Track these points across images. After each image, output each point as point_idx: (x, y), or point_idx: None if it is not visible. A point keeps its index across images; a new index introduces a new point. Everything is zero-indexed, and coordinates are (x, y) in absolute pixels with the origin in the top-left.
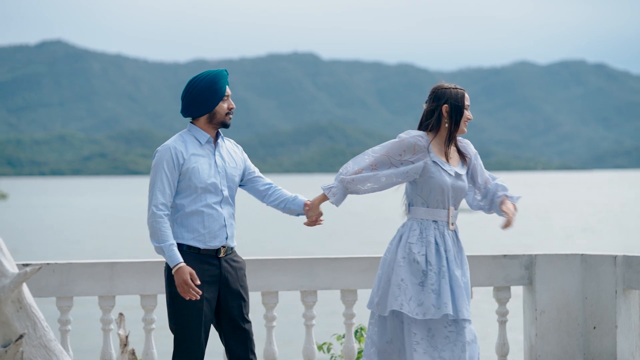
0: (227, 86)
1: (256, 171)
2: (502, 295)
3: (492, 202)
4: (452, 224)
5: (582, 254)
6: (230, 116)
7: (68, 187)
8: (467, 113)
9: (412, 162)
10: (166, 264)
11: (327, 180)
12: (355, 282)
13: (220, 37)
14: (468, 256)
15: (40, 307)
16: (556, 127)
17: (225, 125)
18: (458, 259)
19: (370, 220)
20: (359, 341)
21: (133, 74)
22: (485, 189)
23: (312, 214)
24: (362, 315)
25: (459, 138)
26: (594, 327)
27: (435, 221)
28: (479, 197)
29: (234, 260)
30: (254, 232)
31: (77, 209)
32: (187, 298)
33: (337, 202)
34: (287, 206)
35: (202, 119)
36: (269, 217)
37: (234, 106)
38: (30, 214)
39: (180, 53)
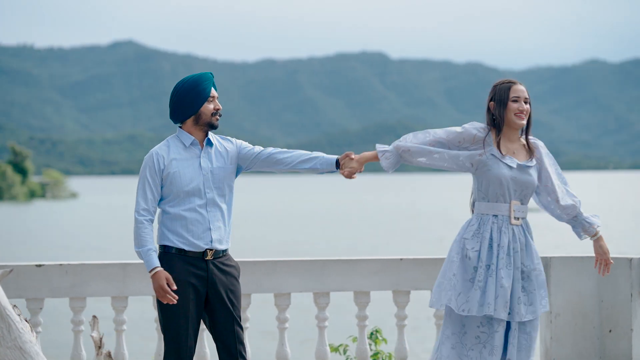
0: (212, 88)
1: (259, 148)
2: None
3: (576, 224)
4: (517, 219)
5: None
6: (217, 117)
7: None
8: (515, 105)
9: (468, 150)
10: None
11: (398, 180)
12: (368, 284)
13: (289, 37)
14: None
15: (53, 307)
16: (628, 126)
17: (212, 126)
18: (517, 255)
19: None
20: (375, 343)
21: None
22: (559, 202)
23: (355, 167)
24: (376, 317)
25: (530, 137)
26: (610, 331)
27: (495, 215)
28: (549, 199)
29: (224, 264)
30: (264, 233)
31: None
32: (165, 302)
33: (389, 168)
34: (320, 162)
35: (189, 122)
36: (279, 218)
37: (220, 107)
38: (99, 213)
39: (249, 53)
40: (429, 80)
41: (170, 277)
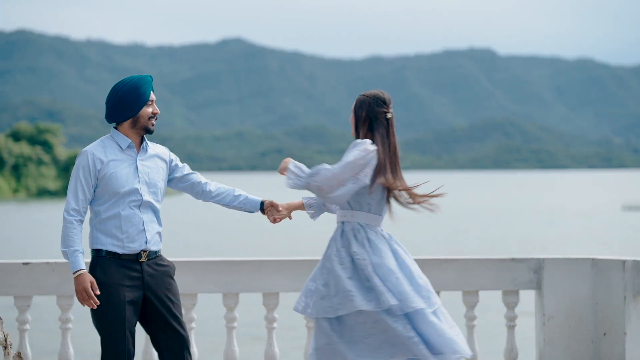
0: (151, 91)
1: (188, 169)
2: (510, 299)
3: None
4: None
5: (592, 258)
6: (153, 121)
7: (244, 183)
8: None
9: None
10: (90, 265)
11: (502, 177)
12: None
13: (396, 34)
14: (476, 259)
15: (41, 305)
16: None
17: (148, 130)
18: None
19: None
20: None
21: (310, 71)
22: None
23: (284, 214)
24: None
25: None
26: (604, 334)
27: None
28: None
29: (158, 264)
30: (250, 235)
31: None
32: (84, 305)
33: (314, 216)
34: (243, 202)
35: (126, 124)
36: (262, 220)
37: (158, 111)
38: (198, 211)
39: (356, 50)
40: (537, 77)
41: (94, 281)
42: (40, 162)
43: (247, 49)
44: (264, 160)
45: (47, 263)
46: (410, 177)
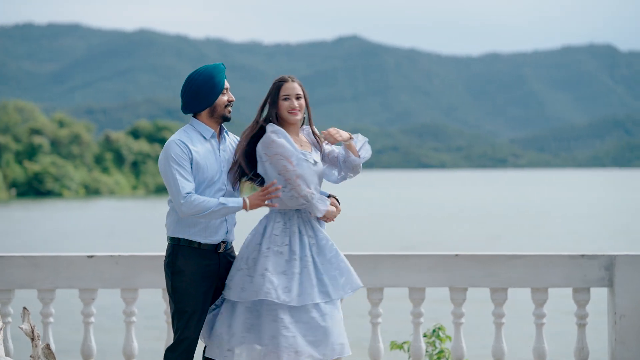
0: (225, 79)
1: None
2: (580, 297)
3: (346, 161)
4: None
5: None
6: (230, 109)
7: (359, 180)
8: (286, 103)
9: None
10: (165, 258)
11: (622, 175)
12: (423, 279)
13: (514, 31)
14: (545, 255)
15: (105, 298)
16: None
17: (226, 118)
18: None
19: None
20: (441, 340)
21: (426, 68)
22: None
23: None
24: (432, 314)
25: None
26: None
27: (298, 210)
28: (336, 171)
29: (231, 256)
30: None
31: (365, 201)
32: (268, 198)
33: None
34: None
35: (204, 114)
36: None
37: (234, 99)
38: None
39: (473, 47)
40: None
41: (257, 193)
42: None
43: (363, 46)
44: (381, 158)
45: (112, 256)
46: (526, 175)
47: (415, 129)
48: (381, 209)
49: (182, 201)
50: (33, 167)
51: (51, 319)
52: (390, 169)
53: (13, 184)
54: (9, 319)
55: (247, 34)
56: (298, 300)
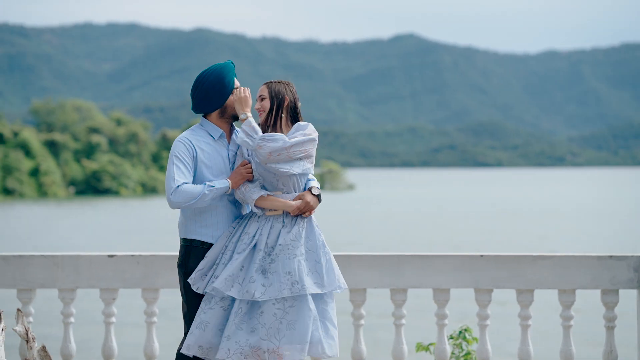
0: (235, 78)
1: None
2: (609, 299)
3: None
4: (271, 210)
5: None
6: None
7: (416, 179)
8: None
9: None
10: (178, 259)
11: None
12: (447, 280)
13: (572, 28)
14: (572, 256)
15: (126, 298)
16: None
17: (237, 118)
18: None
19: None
20: (468, 342)
21: (483, 66)
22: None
23: None
24: (458, 315)
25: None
26: None
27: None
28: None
29: None
30: (341, 229)
31: (421, 200)
32: (246, 175)
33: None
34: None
35: (214, 114)
36: (356, 212)
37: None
38: (372, 205)
39: (531, 44)
40: None
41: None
42: None
43: (420, 44)
44: (437, 157)
45: (132, 256)
46: (584, 174)
47: (472, 127)
48: (435, 208)
49: (172, 192)
50: (91, 165)
51: (72, 319)
52: (446, 167)
53: (71, 182)
54: (30, 319)
55: (304, 32)
56: (244, 295)
